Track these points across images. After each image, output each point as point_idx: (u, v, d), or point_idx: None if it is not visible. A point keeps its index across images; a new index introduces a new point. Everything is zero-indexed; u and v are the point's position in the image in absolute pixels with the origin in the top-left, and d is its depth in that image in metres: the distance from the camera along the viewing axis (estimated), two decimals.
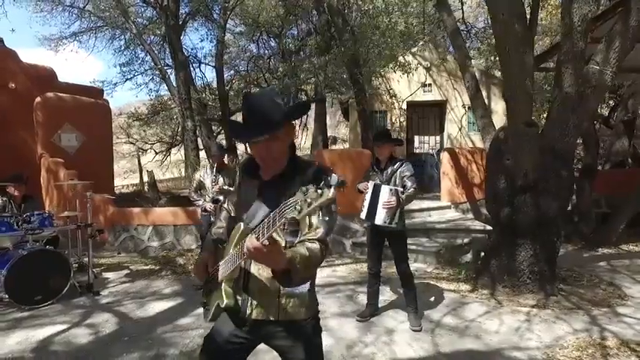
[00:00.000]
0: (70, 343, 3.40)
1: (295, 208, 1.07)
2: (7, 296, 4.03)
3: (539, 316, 3.77)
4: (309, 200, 1.05)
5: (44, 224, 4.62)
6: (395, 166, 3.54)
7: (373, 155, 3.78)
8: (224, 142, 12.12)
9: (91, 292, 4.64)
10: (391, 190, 3.36)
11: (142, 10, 12.84)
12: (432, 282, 4.87)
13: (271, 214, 1.17)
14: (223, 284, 1.52)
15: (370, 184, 3.47)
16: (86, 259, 5.35)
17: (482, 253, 5.21)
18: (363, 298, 4.13)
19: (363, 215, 3.53)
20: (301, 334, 1.55)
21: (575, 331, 3.43)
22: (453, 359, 3.02)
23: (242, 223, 1.51)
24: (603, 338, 3.27)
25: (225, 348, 1.59)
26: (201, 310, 4.01)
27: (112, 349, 3.28)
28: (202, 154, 11.41)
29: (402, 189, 3.41)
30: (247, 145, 1.58)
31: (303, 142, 18.33)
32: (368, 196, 3.46)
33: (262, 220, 1.23)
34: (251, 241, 1.21)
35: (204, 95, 11.89)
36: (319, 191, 1.05)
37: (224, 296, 1.49)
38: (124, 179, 15.51)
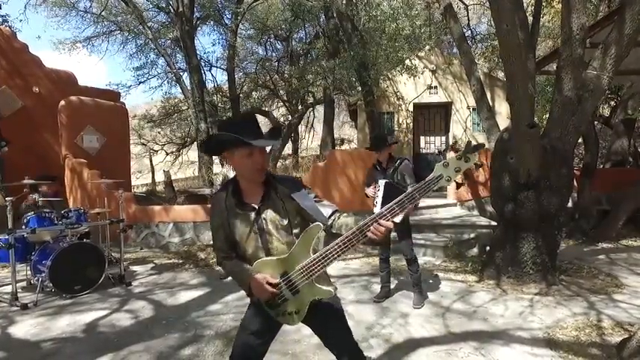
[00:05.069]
0: (115, 325, 3.76)
1: (445, 180, 1.34)
2: (51, 285, 4.39)
3: (542, 302, 4.10)
4: (456, 167, 1.33)
5: (80, 220, 4.99)
6: (396, 164, 3.99)
7: None
8: None
9: (123, 283, 4.99)
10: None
11: (155, 15, 13.26)
12: (440, 273, 5.20)
13: (403, 196, 1.43)
14: (315, 282, 1.67)
15: (381, 183, 3.82)
16: (114, 253, 5.72)
17: (488, 247, 5.53)
18: (376, 288, 4.48)
19: (376, 210, 3.88)
20: (331, 304, 1.85)
21: (574, 314, 3.76)
22: (463, 338, 3.33)
23: (320, 224, 1.64)
24: (600, 320, 3.59)
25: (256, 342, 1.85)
26: (229, 297, 4.42)
27: (153, 330, 3.62)
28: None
29: (404, 183, 3.85)
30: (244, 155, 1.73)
31: (310, 142, 18.69)
32: (380, 194, 3.81)
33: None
34: (385, 225, 1.47)
35: (215, 98, 12.25)
36: (465, 158, 1.31)
37: (327, 288, 1.69)
38: (136, 179, 15.88)
